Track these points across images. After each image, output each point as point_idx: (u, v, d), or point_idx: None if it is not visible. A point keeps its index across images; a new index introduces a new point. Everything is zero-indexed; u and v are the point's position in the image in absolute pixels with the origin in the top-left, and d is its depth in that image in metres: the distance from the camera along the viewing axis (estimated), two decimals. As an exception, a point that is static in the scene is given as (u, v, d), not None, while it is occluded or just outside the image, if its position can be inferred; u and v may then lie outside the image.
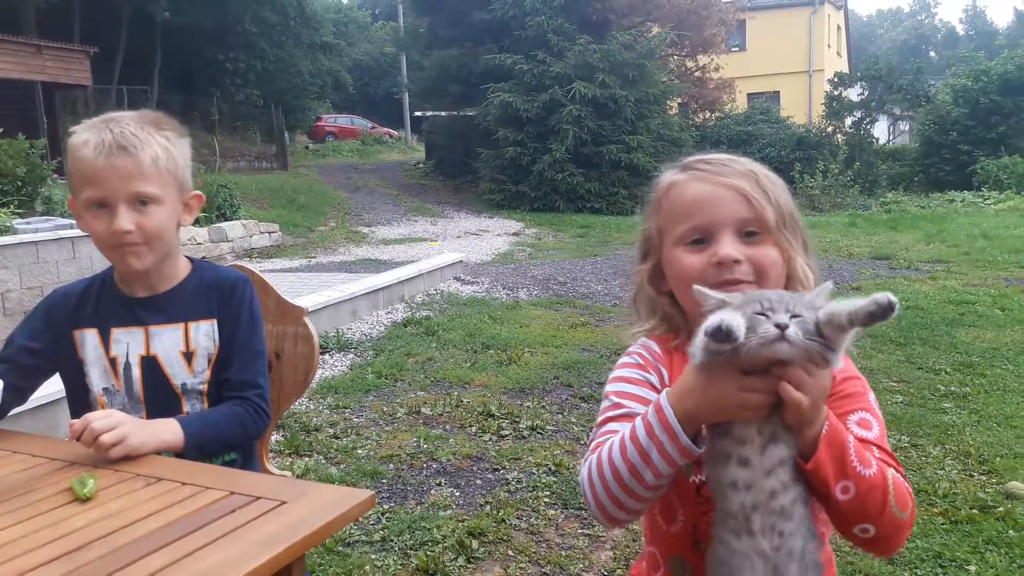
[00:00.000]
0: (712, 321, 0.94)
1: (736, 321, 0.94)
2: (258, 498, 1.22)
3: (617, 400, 1.22)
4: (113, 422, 1.39)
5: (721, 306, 1.00)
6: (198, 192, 1.67)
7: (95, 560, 1.04)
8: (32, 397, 1.66)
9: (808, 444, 1.02)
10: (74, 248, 8.63)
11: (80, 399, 1.63)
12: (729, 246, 1.16)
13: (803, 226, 1.24)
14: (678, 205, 1.23)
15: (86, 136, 1.52)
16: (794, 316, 0.96)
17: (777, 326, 0.95)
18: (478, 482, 3.44)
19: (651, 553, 1.33)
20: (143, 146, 1.52)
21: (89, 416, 1.40)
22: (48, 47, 17.59)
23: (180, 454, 1.48)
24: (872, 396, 1.20)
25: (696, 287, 1.06)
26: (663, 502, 1.25)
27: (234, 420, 1.61)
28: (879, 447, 1.12)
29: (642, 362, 1.28)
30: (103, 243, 1.55)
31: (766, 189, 1.20)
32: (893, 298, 0.91)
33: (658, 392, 1.17)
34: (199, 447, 1.51)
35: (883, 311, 0.92)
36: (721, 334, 0.93)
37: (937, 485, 3.25)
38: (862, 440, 1.10)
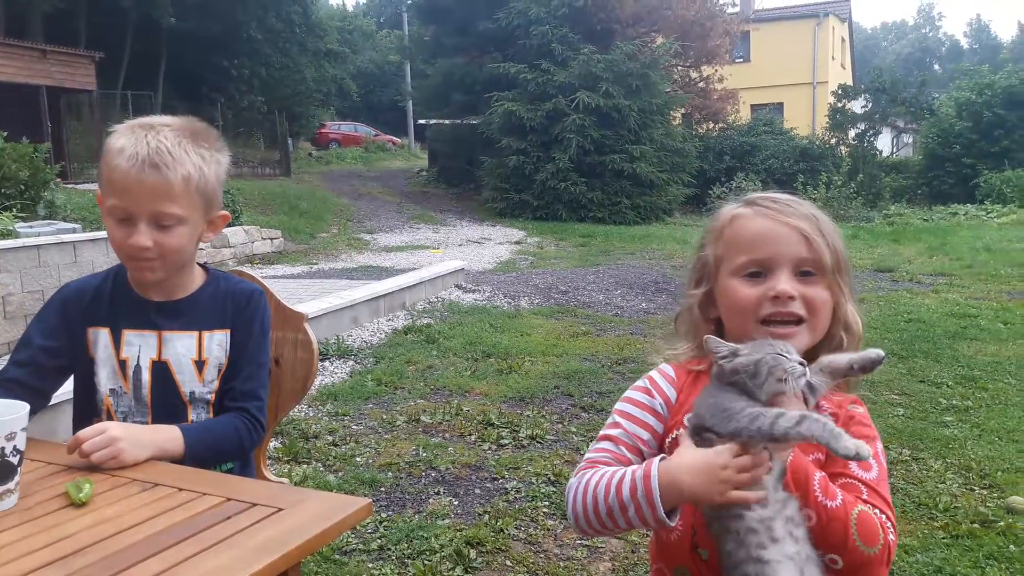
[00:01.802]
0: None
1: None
2: (254, 505, 1.22)
3: (618, 419, 1.31)
4: (106, 439, 1.37)
5: (734, 354, 1.11)
6: (225, 212, 1.67)
7: (89, 566, 1.03)
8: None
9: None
10: (76, 252, 8.64)
11: (87, 398, 1.62)
12: (786, 282, 1.22)
13: (851, 274, 1.33)
14: (741, 237, 1.28)
15: (123, 143, 1.51)
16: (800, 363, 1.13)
17: (800, 363, 1.08)
18: (477, 491, 3.43)
19: (658, 569, 1.35)
20: (176, 165, 1.50)
21: (80, 435, 1.38)
22: (54, 52, 17.67)
23: (177, 462, 1.47)
24: (880, 445, 1.26)
25: (707, 337, 1.15)
26: None
27: (232, 432, 1.60)
28: (871, 488, 1.18)
29: (651, 387, 1.34)
30: (120, 252, 1.56)
31: (825, 233, 1.26)
32: (882, 353, 1.13)
33: (660, 419, 1.29)
34: (197, 457, 1.50)
35: (872, 364, 1.16)
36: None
37: (938, 499, 3.23)
38: (856, 479, 1.18)
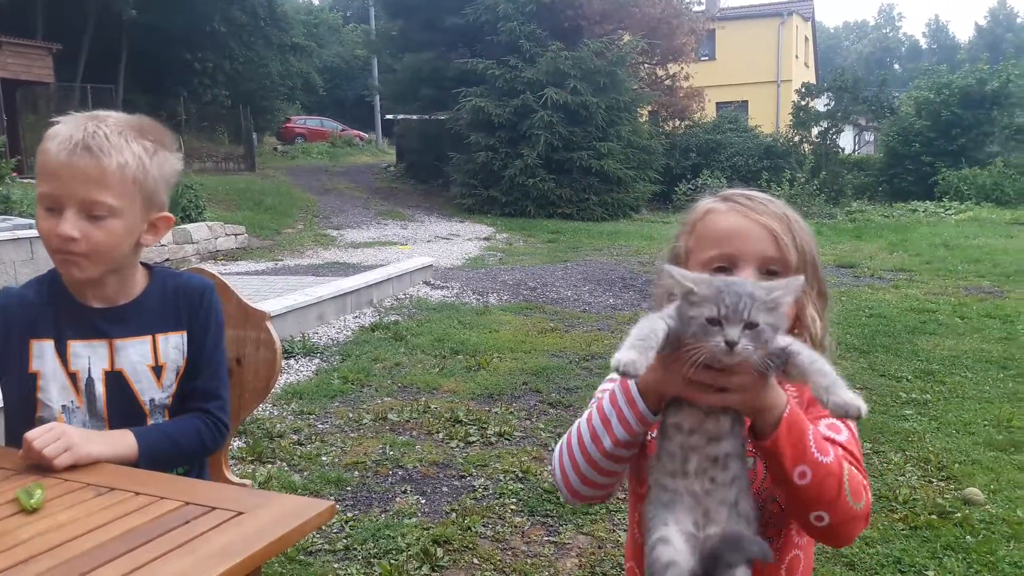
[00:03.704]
0: (614, 362, 1.00)
1: (635, 361, 0.99)
2: (214, 508, 1.20)
3: (599, 396, 1.29)
4: (55, 435, 1.34)
5: (689, 292, 1.04)
6: (168, 214, 1.55)
7: (41, 574, 1.01)
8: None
9: (767, 427, 1.07)
10: (32, 249, 8.46)
11: (23, 414, 1.50)
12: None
13: (822, 276, 1.31)
14: (711, 231, 1.28)
15: (59, 129, 1.42)
16: (748, 326, 0.99)
17: (727, 342, 0.99)
18: (444, 489, 3.42)
19: (630, 568, 1.36)
20: (112, 150, 1.41)
21: (28, 435, 1.33)
22: (9, 43, 17.26)
23: (133, 466, 1.43)
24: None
25: (668, 266, 1.11)
26: (638, 515, 1.30)
27: (193, 434, 1.56)
28: (845, 449, 1.17)
29: None
30: (46, 243, 1.45)
31: (795, 234, 1.26)
32: (863, 412, 1.01)
33: None
34: (154, 461, 1.45)
35: (850, 418, 1.02)
36: (619, 372, 1.00)
37: (898, 491, 3.29)
38: (830, 440, 1.16)
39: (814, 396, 1.03)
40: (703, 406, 1.08)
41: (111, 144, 1.41)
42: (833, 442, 1.17)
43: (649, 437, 1.26)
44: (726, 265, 1.24)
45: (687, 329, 1.02)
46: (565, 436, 1.24)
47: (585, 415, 1.22)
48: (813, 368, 1.02)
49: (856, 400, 0.99)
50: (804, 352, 1.04)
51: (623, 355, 0.99)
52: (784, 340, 1.04)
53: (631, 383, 1.12)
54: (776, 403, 1.07)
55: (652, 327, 1.03)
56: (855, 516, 1.11)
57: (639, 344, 1.01)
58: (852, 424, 1.23)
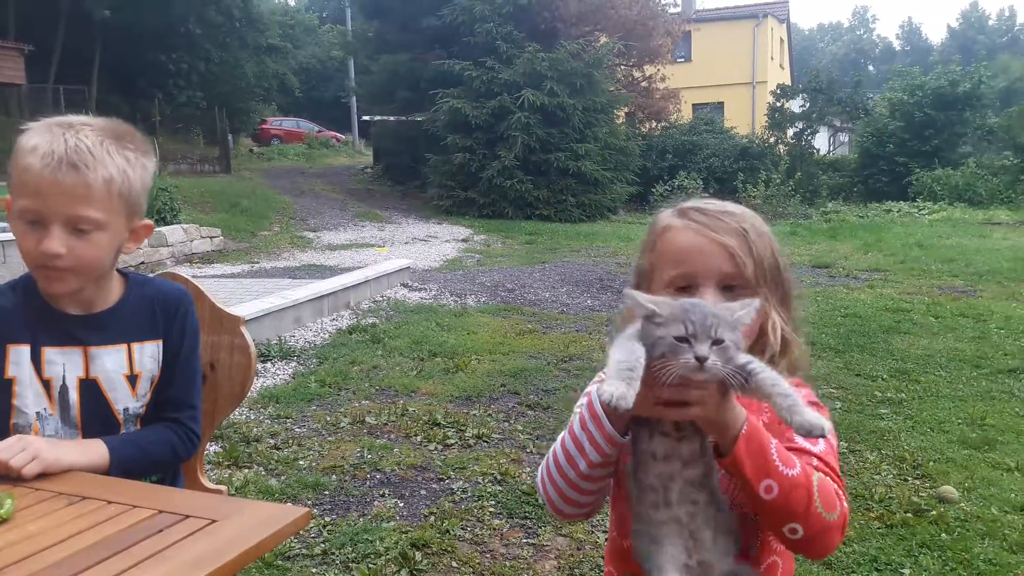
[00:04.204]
0: (605, 397, 0.99)
1: (625, 395, 0.99)
2: (187, 516, 1.18)
3: (578, 410, 1.30)
4: (20, 445, 1.31)
5: (651, 315, 1.06)
6: (148, 221, 1.54)
7: (10, 585, 0.99)
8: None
9: (727, 443, 1.09)
10: (4, 252, 8.34)
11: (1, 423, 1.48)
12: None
13: (788, 279, 1.32)
14: (670, 250, 1.29)
15: (37, 140, 1.37)
16: (715, 343, 1.02)
17: (697, 358, 1.01)
18: (423, 492, 3.41)
19: (609, 572, 1.37)
20: (97, 166, 1.38)
21: None
22: (-21, 43, 17.00)
23: (104, 475, 1.40)
24: (829, 425, 1.25)
25: (627, 291, 1.12)
26: (617, 518, 1.31)
27: (165, 445, 1.54)
28: (822, 460, 1.17)
29: None
30: (28, 259, 1.42)
31: (752, 246, 1.26)
32: (827, 431, 1.03)
33: None
34: (125, 471, 1.43)
35: (814, 437, 1.04)
36: (610, 407, 0.99)
37: (873, 490, 3.33)
38: (804, 451, 1.17)
39: (778, 416, 1.05)
40: (672, 432, 1.10)
41: (95, 159, 1.38)
42: (808, 452, 1.18)
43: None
44: (687, 284, 1.25)
45: (655, 350, 1.04)
46: (546, 456, 1.25)
47: (561, 436, 1.23)
48: (775, 390, 1.04)
49: (819, 420, 1.01)
50: (765, 372, 1.05)
51: (612, 388, 0.99)
52: (744, 358, 1.06)
53: (597, 406, 1.14)
54: (735, 420, 1.08)
55: (635, 354, 1.04)
56: (829, 526, 1.11)
57: (626, 375, 1.01)
58: (830, 434, 1.23)
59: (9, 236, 8.64)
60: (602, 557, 2.45)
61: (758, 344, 1.26)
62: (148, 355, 1.55)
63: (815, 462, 1.16)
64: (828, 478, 1.14)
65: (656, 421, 1.11)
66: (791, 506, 1.09)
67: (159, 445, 1.54)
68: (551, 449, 1.24)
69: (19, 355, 1.47)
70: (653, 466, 1.12)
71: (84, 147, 1.38)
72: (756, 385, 1.05)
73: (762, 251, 1.27)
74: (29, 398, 1.47)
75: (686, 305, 1.06)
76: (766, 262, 1.27)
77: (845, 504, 1.14)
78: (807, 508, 1.09)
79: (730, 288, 1.24)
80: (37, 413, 1.48)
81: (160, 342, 1.57)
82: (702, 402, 1.05)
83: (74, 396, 1.49)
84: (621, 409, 0.98)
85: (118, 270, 1.59)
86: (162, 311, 1.58)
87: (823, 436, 1.02)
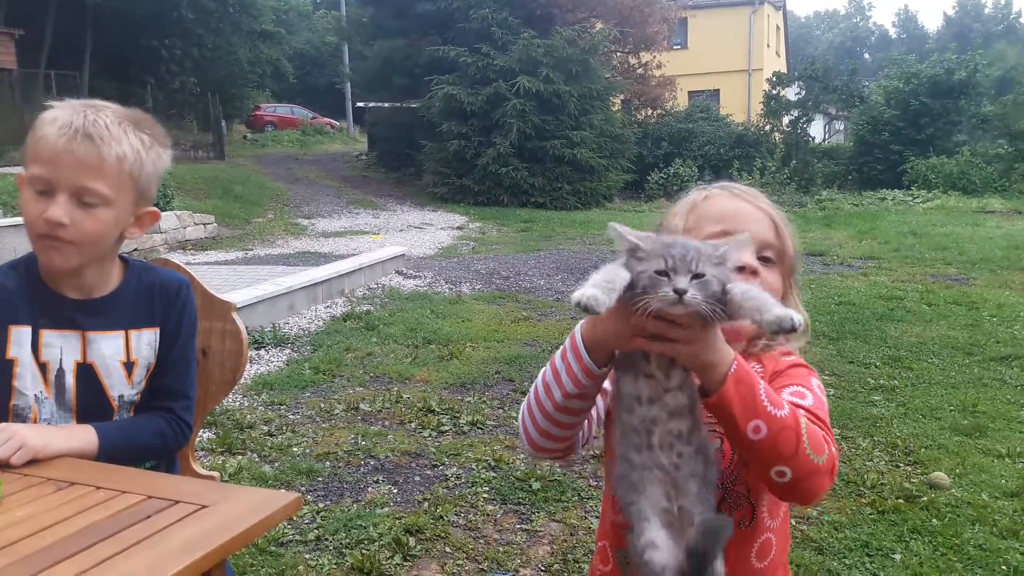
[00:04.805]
0: (576, 297, 0.98)
1: (597, 297, 0.98)
2: (177, 502, 1.17)
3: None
4: (5, 435, 1.31)
5: (635, 248, 1.05)
6: (154, 209, 1.54)
7: (-2, 571, 0.98)
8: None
9: (714, 383, 1.07)
10: (-3, 238, 8.28)
11: None
12: (751, 257, 1.23)
13: (798, 276, 1.36)
14: (713, 211, 1.31)
15: (57, 114, 1.41)
16: (696, 276, 1.01)
17: (675, 291, 1.00)
18: (416, 479, 3.41)
19: (602, 547, 1.37)
20: (111, 140, 1.40)
21: None
22: (-30, 28, 16.85)
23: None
24: (816, 381, 1.27)
25: (611, 224, 1.11)
26: (611, 495, 1.30)
27: (155, 435, 1.54)
28: (809, 411, 1.16)
29: None
30: (31, 228, 1.42)
31: (787, 228, 1.32)
32: (798, 322, 0.99)
33: None
34: (113, 458, 1.42)
35: (786, 331, 1.00)
36: (581, 308, 0.98)
37: (866, 476, 3.34)
38: (794, 405, 1.15)
39: (753, 323, 1.02)
40: (656, 375, 1.09)
41: (111, 134, 1.41)
42: (797, 407, 1.16)
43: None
44: None
45: (637, 284, 1.03)
46: (528, 393, 1.27)
47: (542, 370, 1.24)
48: (744, 298, 1.02)
49: (787, 312, 0.99)
50: (736, 288, 1.03)
51: (586, 291, 0.98)
52: (729, 285, 1.04)
53: (578, 338, 1.14)
54: (723, 359, 1.06)
55: (615, 272, 1.03)
56: (818, 470, 1.09)
57: (603, 284, 1.00)
58: (819, 391, 1.23)
59: (0, 222, 8.59)
60: (595, 541, 2.47)
61: None
62: (145, 342, 1.55)
63: (801, 411, 1.15)
64: (814, 425, 1.13)
65: (640, 362, 1.10)
66: (778, 446, 1.07)
67: (150, 434, 1.53)
68: (531, 388, 1.25)
69: (20, 336, 1.47)
70: (637, 409, 1.11)
71: (102, 123, 1.41)
72: (732, 302, 1.02)
73: (792, 238, 1.32)
74: (28, 379, 1.47)
75: (668, 240, 1.05)
76: (795, 248, 1.33)
77: (834, 449, 1.13)
78: (795, 449, 1.07)
79: (765, 259, 1.27)
80: (35, 395, 1.48)
81: (157, 330, 1.57)
82: (688, 340, 1.04)
83: (70, 380, 1.49)
84: (593, 310, 0.97)
85: (120, 256, 1.59)
86: (161, 299, 1.57)
87: (794, 329, 0.99)
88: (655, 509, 1.10)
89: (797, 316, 0.99)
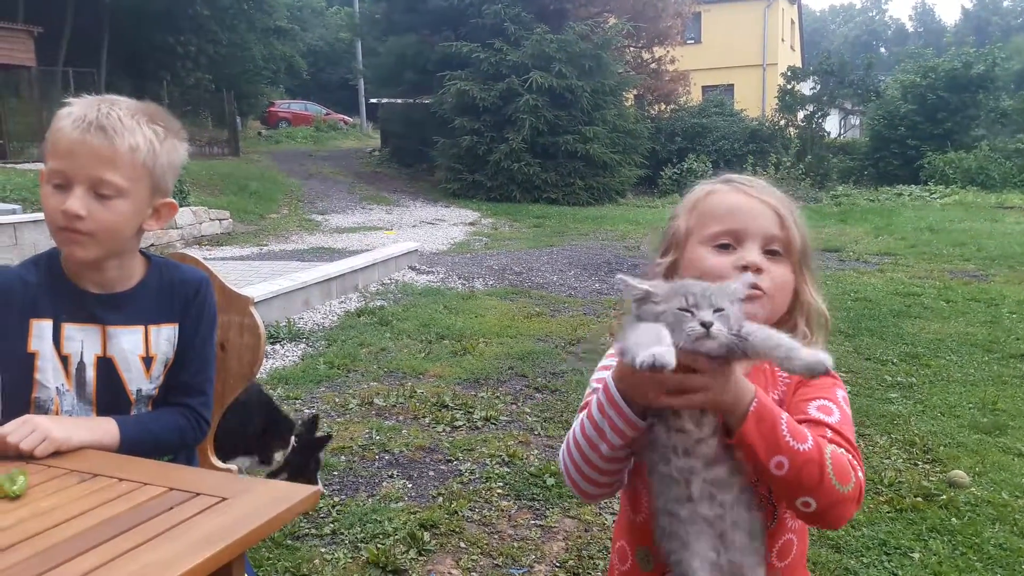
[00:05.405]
0: (644, 359, 0.96)
1: (664, 353, 0.95)
2: (198, 494, 1.18)
3: (594, 387, 1.28)
4: (28, 428, 1.32)
5: (646, 296, 1.05)
6: (172, 201, 1.55)
7: (22, 561, 0.99)
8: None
9: (736, 421, 1.07)
10: (16, 234, 8.38)
11: (20, 397, 1.48)
12: (755, 254, 1.23)
13: (813, 265, 1.33)
14: (716, 208, 1.29)
15: (72, 109, 1.43)
16: (717, 311, 1.02)
17: (702, 324, 1.00)
18: (431, 474, 3.42)
19: (621, 547, 1.36)
20: (124, 132, 1.42)
21: (1, 431, 1.32)
22: (-11, 26, 16.98)
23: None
24: (842, 393, 1.25)
25: (620, 276, 1.10)
26: (630, 493, 1.31)
27: (174, 430, 1.55)
28: (836, 431, 1.16)
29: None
30: (50, 221, 1.44)
31: (796, 218, 1.29)
32: (830, 365, 1.00)
33: None
34: (132, 451, 1.43)
35: (818, 376, 1.01)
36: (655, 367, 0.96)
37: (883, 474, 3.32)
38: (819, 423, 1.16)
39: (781, 368, 1.03)
40: (687, 428, 1.09)
41: (124, 126, 1.43)
42: (822, 424, 1.16)
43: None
44: (730, 243, 1.24)
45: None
46: (565, 441, 1.24)
47: (578, 421, 1.21)
48: (769, 344, 1.02)
49: (816, 355, 0.99)
50: (758, 331, 1.03)
51: (655, 350, 0.96)
52: (745, 327, 1.04)
53: (614, 391, 1.12)
54: (742, 397, 1.06)
55: (656, 329, 1.02)
56: (843, 499, 1.09)
57: (656, 339, 0.98)
58: (844, 404, 1.22)
59: (20, 218, 8.67)
60: (610, 538, 2.46)
61: (791, 317, 1.27)
62: (164, 338, 1.56)
63: (829, 434, 1.15)
64: (842, 450, 1.12)
65: (669, 416, 1.10)
66: (802, 481, 1.07)
67: (168, 430, 1.55)
68: (569, 435, 1.22)
69: (42, 330, 1.48)
70: (674, 460, 1.10)
71: (115, 115, 1.43)
72: (753, 346, 1.02)
73: (801, 227, 1.29)
74: (50, 372, 1.49)
75: (679, 282, 1.06)
76: (806, 239, 1.29)
77: (860, 475, 1.12)
78: (819, 482, 1.07)
79: (773, 253, 1.25)
80: (56, 388, 1.49)
81: (176, 326, 1.58)
82: (705, 388, 1.04)
83: (91, 373, 1.51)
84: (666, 367, 0.95)
85: (142, 252, 1.60)
86: (181, 296, 1.59)
87: (826, 372, 0.99)
88: (704, 564, 1.10)
89: (827, 358, 0.99)
